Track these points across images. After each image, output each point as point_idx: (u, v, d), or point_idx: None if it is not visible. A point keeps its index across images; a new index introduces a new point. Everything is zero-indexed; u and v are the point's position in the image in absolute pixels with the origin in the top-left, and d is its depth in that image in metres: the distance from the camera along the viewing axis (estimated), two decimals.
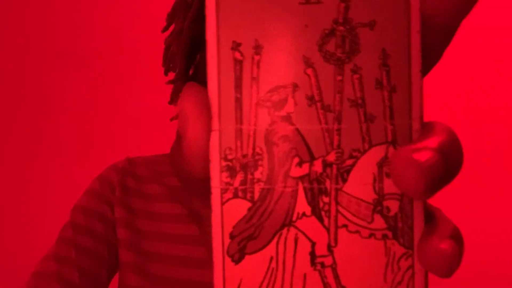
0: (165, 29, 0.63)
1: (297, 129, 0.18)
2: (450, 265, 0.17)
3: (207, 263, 0.58)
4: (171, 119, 0.66)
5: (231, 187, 0.19)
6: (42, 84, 1.53)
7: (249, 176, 0.19)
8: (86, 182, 0.68)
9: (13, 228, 1.50)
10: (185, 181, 0.21)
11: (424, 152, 0.16)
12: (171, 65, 0.62)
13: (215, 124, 0.19)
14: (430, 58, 0.20)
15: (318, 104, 0.18)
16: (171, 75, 0.64)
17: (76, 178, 1.46)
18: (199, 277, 0.57)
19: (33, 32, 1.54)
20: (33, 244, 1.47)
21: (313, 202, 0.18)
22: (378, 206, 0.18)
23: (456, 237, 0.17)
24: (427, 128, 0.18)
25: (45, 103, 1.53)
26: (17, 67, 1.55)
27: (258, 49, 0.18)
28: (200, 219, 0.62)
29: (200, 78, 0.60)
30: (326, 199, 0.18)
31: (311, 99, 0.18)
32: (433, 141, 0.16)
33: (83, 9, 1.53)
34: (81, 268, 0.59)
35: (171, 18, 0.62)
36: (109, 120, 1.51)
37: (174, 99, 0.63)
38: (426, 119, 0.18)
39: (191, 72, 0.63)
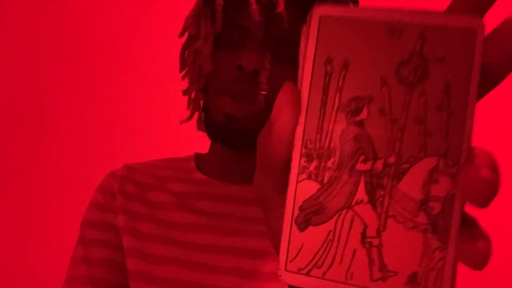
0: (181, 34, 0.62)
1: (367, 133, 0.23)
2: (484, 261, 0.20)
3: (218, 268, 0.57)
4: (181, 122, 0.65)
5: (306, 170, 0.23)
6: (43, 87, 1.54)
7: (322, 164, 0.23)
8: (86, 184, 0.68)
9: (12, 231, 1.51)
10: (261, 166, 0.25)
11: (487, 169, 0.20)
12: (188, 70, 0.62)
13: (302, 119, 0.23)
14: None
15: (387, 116, 0.23)
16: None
17: (77, 181, 1.48)
18: (209, 281, 0.57)
19: (34, 35, 1.55)
20: (32, 245, 1.48)
21: (371, 192, 0.22)
22: (424, 204, 0.22)
23: (488, 239, 0.21)
24: (473, 149, 0.22)
25: (45, 105, 1.53)
26: (17, 69, 1.56)
27: (346, 65, 0.23)
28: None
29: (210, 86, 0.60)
30: (381, 192, 0.22)
31: (382, 111, 0.23)
32: (488, 161, 0.21)
33: (85, 13, 1.53)
34: (95, 279, 0.59)
35: (187, 25, 0.61)
36: (110, 124, 1.50)
37: (191, 106, 0.63)
38: None
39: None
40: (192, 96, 0.64)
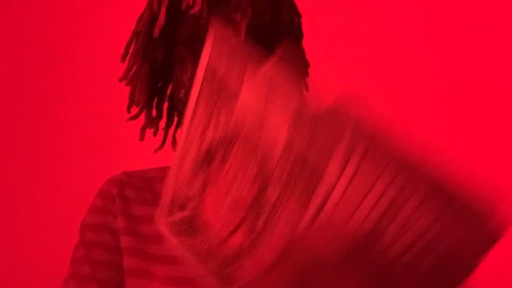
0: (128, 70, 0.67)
1: None
2: None
3: None
4: (155, 151, 0.69)
5: None
6: (40, 88, 1.50)
7: None
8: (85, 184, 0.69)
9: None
10: None
11: None
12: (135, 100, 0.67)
13: None
14: None
15: None
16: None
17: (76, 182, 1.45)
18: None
19: (30, 36, 1.51)
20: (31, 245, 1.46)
21: None
22: None
23: None
24: None
25: (43, 106, 1.50)
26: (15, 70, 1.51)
27: None
28: None
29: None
30: None
31: None
32: None
33: (78, 14, 1.51)
34: (99, 280, 0.62)
35: (123, 58, 0.67)
36: (112, 124, 1.46)
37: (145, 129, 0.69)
38: None
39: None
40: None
